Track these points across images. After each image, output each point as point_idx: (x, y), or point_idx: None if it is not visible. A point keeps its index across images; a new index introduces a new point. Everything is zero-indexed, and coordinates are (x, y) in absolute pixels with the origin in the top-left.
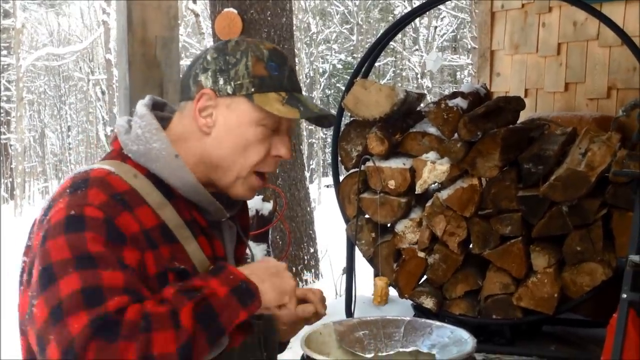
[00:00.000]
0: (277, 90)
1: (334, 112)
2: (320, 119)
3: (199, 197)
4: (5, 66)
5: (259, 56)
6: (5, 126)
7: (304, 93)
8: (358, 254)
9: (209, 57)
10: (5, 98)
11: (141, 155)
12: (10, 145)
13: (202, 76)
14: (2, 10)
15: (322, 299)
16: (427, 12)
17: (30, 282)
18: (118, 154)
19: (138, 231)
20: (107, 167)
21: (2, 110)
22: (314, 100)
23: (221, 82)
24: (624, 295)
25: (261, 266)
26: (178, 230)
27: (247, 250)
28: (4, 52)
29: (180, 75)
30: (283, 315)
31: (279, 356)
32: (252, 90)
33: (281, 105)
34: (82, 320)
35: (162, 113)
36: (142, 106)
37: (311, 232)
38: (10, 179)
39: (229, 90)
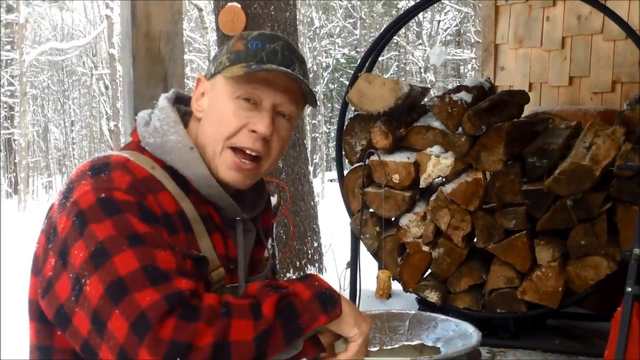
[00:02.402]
0: (249, 61)
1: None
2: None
3: (212, 191)
4: (8, 61)
5: (243, 36)
6: (9, 121)
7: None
8: (362, 248)
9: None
10: (8, 93)
11: (157, 147)
12: (14, 140)
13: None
14: (5, 5)
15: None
16: (431, 6)
17: (56, 267)
18: (136, 145)
19: (160, 214)
20: (125, 155)
21: (5, 105)
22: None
23: (210, 66)
24: (629, 289)
25: (346, 300)
26: (194, 223)
27: (265, 252)
28: (8, 47)
29: (184, 70)
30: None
31: None
32: (227, 64)
33: (238, 69)
34: (152, 296)
35: (186, 107)
36: (163, 99)
37: (315, 226)
38: (14, 174)
39: (213, 70)
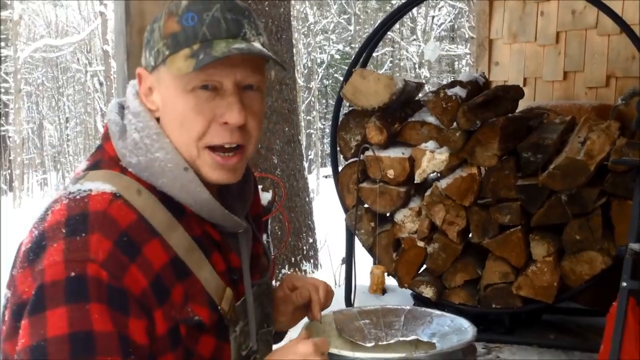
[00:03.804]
0: (191, 44)
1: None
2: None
3: (213, 214)
4: (3, 58)
5: (172, 11)
6: (4, 118)
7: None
8: (357, 243)
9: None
10: (3, 90)
11: (143, 169)
12: (9, 137)
13: (142, 57)
14: None
15: (327, 297)
16: (425, 2)
17: (9, 324)
18: (115, 162)
19: (146, 286)
20: (107, 190)
21: (0, 103)
22: (256, 42)
23: (147, 55)
24: (624, 284)
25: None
26: (189, 256)
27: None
28: (2, 44)
29: None
30: (280, 308)
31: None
32: (167, 53)
33: (183, 61)
34: None
35: None
36: (133, 98)
37: (310, 222)
38: (9, 171)
39: (152, 62)
